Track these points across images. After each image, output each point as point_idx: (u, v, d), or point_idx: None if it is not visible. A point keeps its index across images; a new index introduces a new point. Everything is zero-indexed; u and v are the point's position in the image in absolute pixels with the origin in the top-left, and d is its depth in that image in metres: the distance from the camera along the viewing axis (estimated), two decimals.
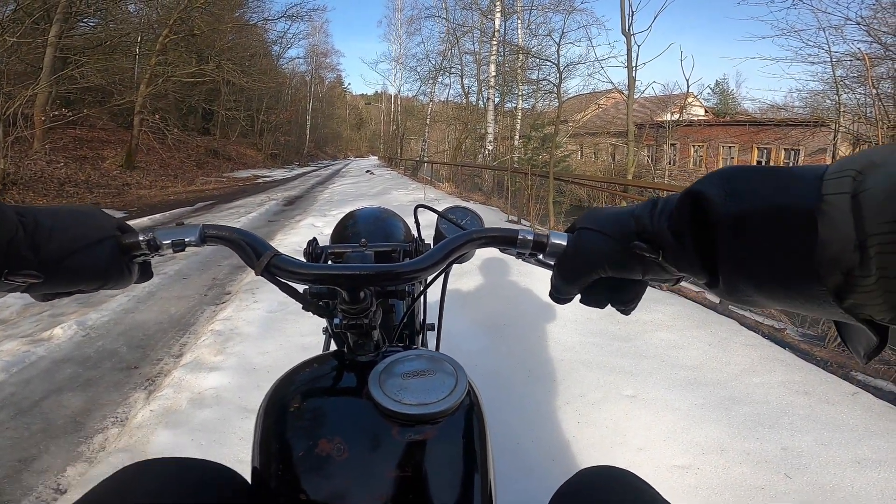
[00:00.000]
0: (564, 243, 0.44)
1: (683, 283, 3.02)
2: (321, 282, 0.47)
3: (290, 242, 4.54)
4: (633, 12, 7.62)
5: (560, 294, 0.46)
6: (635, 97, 8.22)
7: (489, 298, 2.76)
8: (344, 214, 1.17)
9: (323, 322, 0.77)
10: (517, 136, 14.38)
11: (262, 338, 2.29)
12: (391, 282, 0.47)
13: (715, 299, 2.75)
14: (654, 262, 0.37)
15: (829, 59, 8.38)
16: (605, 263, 0.40)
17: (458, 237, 0.49)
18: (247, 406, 1.70)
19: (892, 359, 2.02)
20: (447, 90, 19.00)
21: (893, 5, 7.42)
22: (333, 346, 0.57)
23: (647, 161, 16.86)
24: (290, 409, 0.48)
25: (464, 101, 17.21)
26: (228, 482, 0.47)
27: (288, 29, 24.41)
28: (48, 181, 8.11)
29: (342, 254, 0.70)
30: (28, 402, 1.81)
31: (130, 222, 0.51)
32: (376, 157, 39.16)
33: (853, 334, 0.31)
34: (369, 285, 0.48)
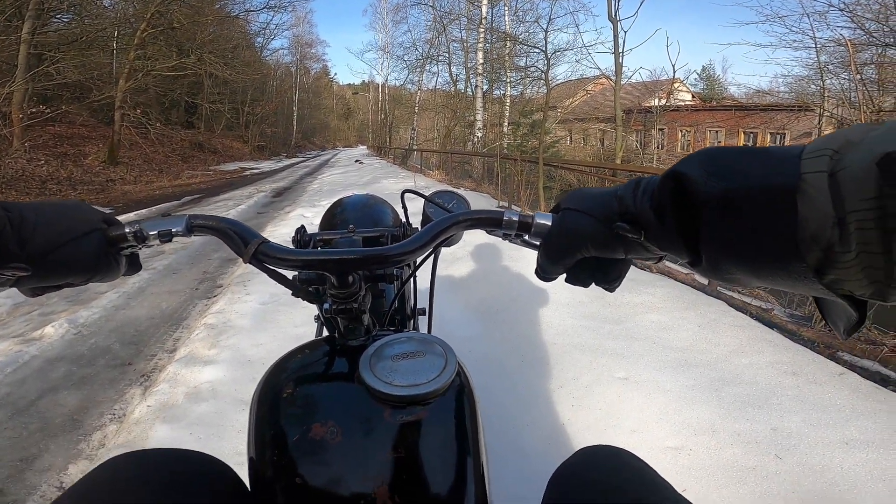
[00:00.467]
0: (549, 223, 0.45)
1: (672, 265, 3.08)
2: (309, 267, 0.48)
3: (280, 234, 4.51)
4: None
5: (545, 273, 0.47)
6: (623, 83, 8.23)
7: (482, 284, 2.77)
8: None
9: (315, 311, 0.78)
10: (506, 123, 14.33)
11: (256, 330, 2.29)
12: (379, 265, 0.47)
13: (703, 280, 2.79)
14: (637, 242, 0.38)
15: (813, 45, 8.44)
16: (588, 244, 0.41)
17: (445, 220, 0.49)
18: (243, 398, 1.70)
19: (877, 339, 2.05)
20: (435, 78, 18.87)
21: None
22: (326, 334, 0.58)
23: (636, 146, 16.93)
24: (283, 395, 0.48)
25: (452, 89, 17.07)
26: (216, 473, 0.48)
27: (271, 20, 24.01)
28: (30, 179, 7.96)
29: (330, 240, 0.70)
30: (24, 402, 1.80)
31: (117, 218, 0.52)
32: (365, 147, 38.84)
33: (833, 310, 0.32)
34: (357, 269, 0.49)
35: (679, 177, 0.33)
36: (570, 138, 20.99)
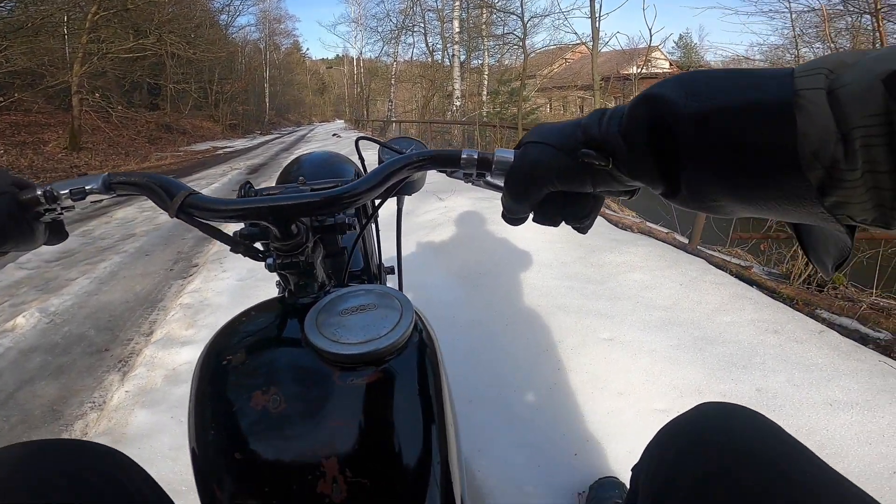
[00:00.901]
0: (511, 158, 0.42)
1: (653, 224, 3.10)
2: (243, 217, 0.43)
3: None
4: None
5: (512, 214, 0.44)
6: (600, 49, 8.11)
7: (463, 249, 2.75)
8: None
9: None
10: (485, 92, 14.12)
11: (234, 306, 2.23)
12: (321, 210, 0.43)
13: (684, 239, 2.82)
14: (605, 171, 0.35)
15: (787, 12, 8.41)
16: (552, 176, 0.38)
17: (397, 160, 0.45)
18: None
19: (855, 296, 2.08)
20: (411, 49, 18.41)
21: None
22: None
23: None
24: (223, 363, 0.44)
25: (429, 60, 16.70)
26: (107, 464, 0.44)
27: None
28: None
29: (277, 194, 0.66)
30: (2, 395, 1.74)
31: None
32: (342, 121, 38.04)
33: (821, 245, 0.30)
34: (298, 216, 0.44)
35: (654, 99, 0.30)
36: (550, 106, 20.85)
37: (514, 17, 11.11)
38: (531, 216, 0.44)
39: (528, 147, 0.40)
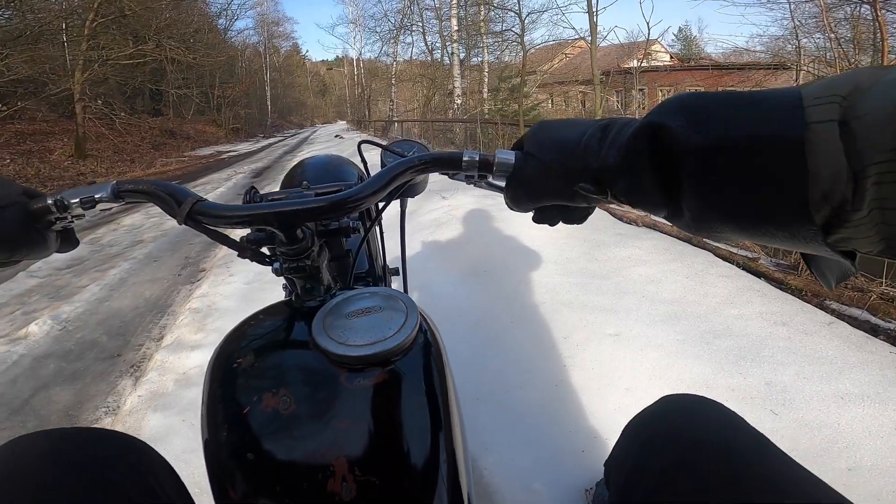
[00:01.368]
0: (512, 160, 0.42)
1: (657, 218, 3.08)
2: (250, 223, 0.43)
3: None
4: None
5: (513, 210, 0.46)
6: (599, 44, 8.07)
7: (468, 247, 2.76)
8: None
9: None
10: (485, 89, 14.09)
11: (241, 310, 2.25)
12: (326, 214, 0.43)
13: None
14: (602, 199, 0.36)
15: (786, 2, 8.31)
16: (549, 196, 0.40)
17: (400, 163, 0.45)
18: None
19: (865, 286, 2.03)
20: (410, 48, 18.36)
21: None
22: None
23: (617, 106, 16.78)
24: (233, 366, 0.45)
25: (429, 59, 16.68)
26: (135, 453, 0.45)
27: (231, 0, 23.11)
28: None
29: (281, 199, 0.67)
30: (18, 402, 1.77)
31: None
32: (344, 122, 38.09)
33: (824, 264, 0.30)
34: (304, 221, 0.45)
35: (656, 129, 0.30)
36: (552, 101, 20.78)
37: (512, 13, 11.07)
38: (531, 214, 0.46)
39: (529, 160, 0.40)
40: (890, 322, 1.79)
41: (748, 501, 0.42)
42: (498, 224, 3.00)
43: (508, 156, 0.42)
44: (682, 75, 17.08)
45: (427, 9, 16.30)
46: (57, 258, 3.32)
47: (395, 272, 0.99)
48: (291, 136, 27.17)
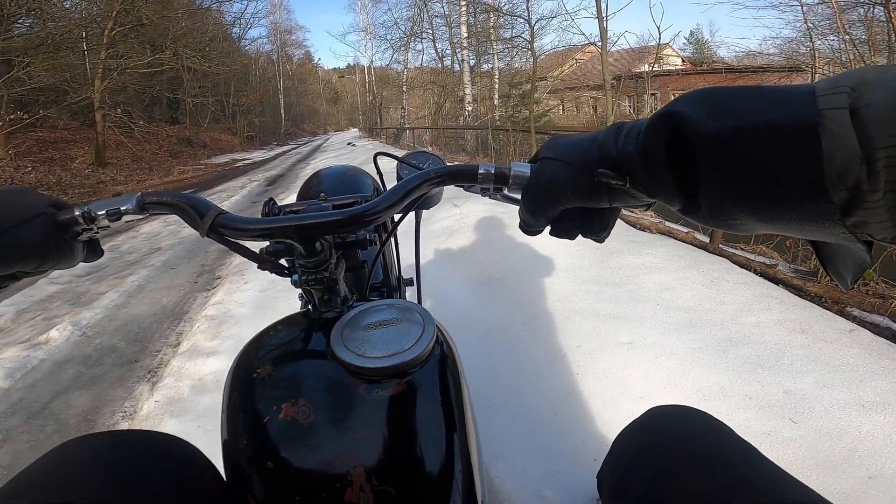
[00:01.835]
0: (528, 173, 0.42)
1: (672, 224, 3.06)
2: (270, 236, 0.44)
3: None
4: None
5: (528, 226, 0.45)
6: (609, 49, 8.05)
7: (481, 254, 2.76)
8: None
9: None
10: (496, 96, 14.13)
11: (256, 318, 2.29)
12: (345, 228, 0.44)
13: (704, 238, 2.78)
14: (622, 190, 0.36)
15: (798, 5, 8.22)
16: (569, 194, 0.39)
17: (416, 177, 0.46)
18: None
19: (886, 292, 1.99)
20: (421, 56, 18.56)
21: None
22: None
23: (630, 111, 16.69)
24: (253, 375, 0.46)
25: (439, 66, 16.80)
26: (181, 454, 0.46)
27: (245, 9, 23.64)
28: None
29: (299, 210, 0.66)
30: (38, 406, 1.81)
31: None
32: (356, 129, 38.48)
33: (840, 259, 0.30)
34: (323, 234, 0.46)
35: (673, 117, 0.30)
36: (563, 107, 20.76)
37: (522, 19, 11.11)
38: (548, 228, 0.45)
39: (545, 164, 0.41)
40: None
41: None
42: (510, 232, 3.00)
43: (524, 168, 0.43)
44: (694, 79, 16.94)
45: (437, 16, 16.49)
46: (77, 266, 3.39)
47: (410, 282, 1.00)
48: (304, 143, 27.51)
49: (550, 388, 1.56)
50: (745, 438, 0.52)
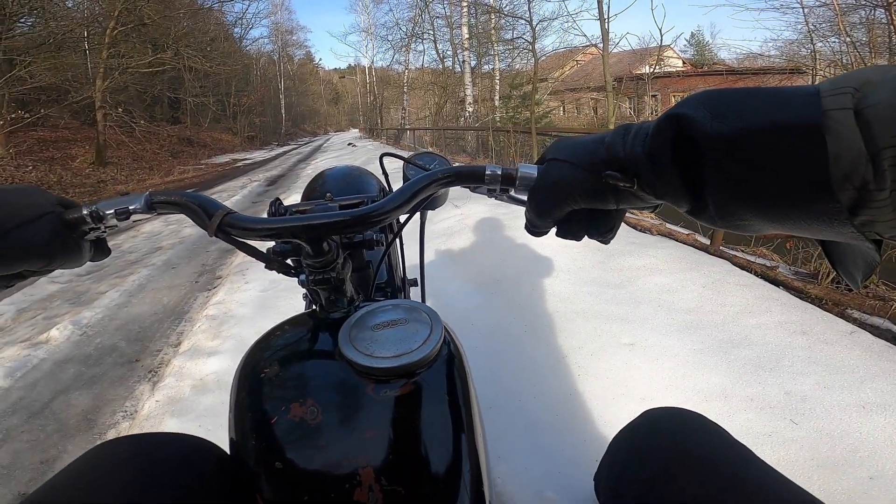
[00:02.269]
0: (534, 174, 0.42)
1: (673, 227, 3.06)
2: (278, 235, 0.44)
3: None
4: None
5: (534, 227, 0.45)
6: (611, 50, 8.07)
7: (481, 256, 2.76)
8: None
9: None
10: (497, 97, 14.14)
11: (257, 317, 2.29)
12: (353, 228, 0.44)
13: (705, 240, 2.78)
14: (629, 191, 0.36)
15: (799, 7, 8.24)
16: (576, 195, 0.39)
17: (423, 177, 0.46)
18: None
19: (887, 295, 1.99)
20: (422, 57, 18.60)
21: None
22: None
23: (630, 113, 16.71)
24: (261, 376, 0.46)
25: (440, 67, 16.81)
26: (204, 454, 0.46)
27: (246, 9, 23.75)
28: None
29: (306, 210, 0.66)
30: (38, 405, 1.81)
31: None
32: (357, 130, 38.52)
33: (849, 258, 0.30)
34: (331, 234, 0.46)
35: (679, 119, 0.31)
36: (564, 108, 20.78)
37: (523, 21, 11.13)
38: (554, 230, 0.45)
39: (552, 164, 0.41)
40: None
41: None
42: (510, 233, 3.00)
43: (531, 169, 0.43)
44: (695, 81, 16.96)
45: (438, 17, 16.51)
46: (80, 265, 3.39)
47: (414, 283, 1.00)
48: (305, 143, 27.53)
49: (552, 390, 1.56)
50: (746, 440, 0.53)
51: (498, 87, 14.43)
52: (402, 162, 0.69)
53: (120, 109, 12.26)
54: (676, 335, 1.76)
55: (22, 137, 10.01)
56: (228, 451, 0.46)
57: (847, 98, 0.24)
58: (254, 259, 0.48)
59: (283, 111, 32.51)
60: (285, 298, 2.44)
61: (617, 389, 1.53)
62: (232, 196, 7.20)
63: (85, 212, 0.46)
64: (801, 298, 2.04)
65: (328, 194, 0.66)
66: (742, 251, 2.65)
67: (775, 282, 2.24)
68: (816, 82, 0.28)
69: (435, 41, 16.88)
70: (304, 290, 0.80)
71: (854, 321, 1.85)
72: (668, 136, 0.32)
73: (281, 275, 0.51)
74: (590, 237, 0.44)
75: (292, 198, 6.03)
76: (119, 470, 0.40)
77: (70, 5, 12.19)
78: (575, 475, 1.21)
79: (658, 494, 0.47)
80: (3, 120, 8.80)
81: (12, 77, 9.12)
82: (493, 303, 2.19)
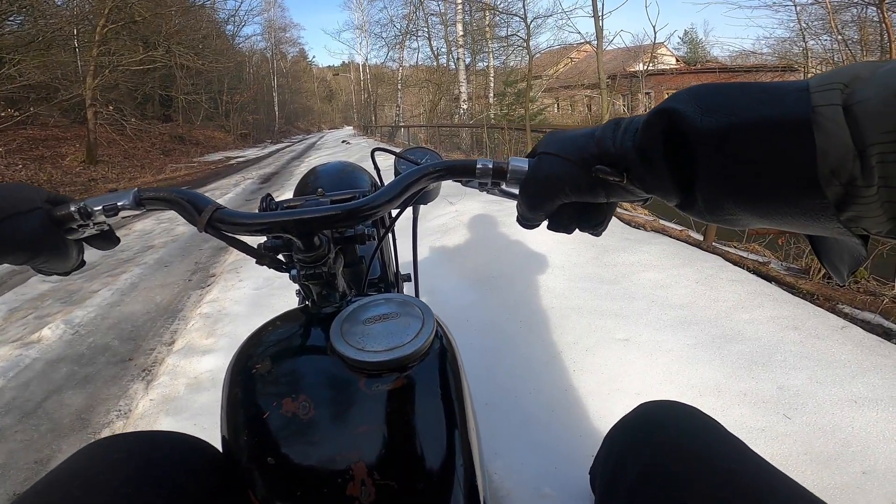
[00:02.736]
0: (526, 168, 0.42)
1: (667, 223, 3.08)
2: (269, 230, 0.44)
3: None
4: None
5: (526, 220, 0.45)
6: (605, 48, 8.08)
7: (476, 252, 2.76)
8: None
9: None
10: (491, 94, 14.13)
11: (251, 315, 2.28)
12: (344, 222, 0.44)
13: (698, 236, 2.79)
14: (619, 185, 0.36)
15: (792, 4, 8.29)
16: (566, 189, 0.39)
17: (414, 171, 0.46)
18: None
19: (877, 290, 2.02)
20: (416, 54, 18.53)
21: None
22: None
23: (624, 110, 16.78)
24: (253, 371, 0.45)
25: (434, 64, 16.78)
26: (197, 452, 0.46)
27: (239, 6, 23.57)
28: None
29: (297, 205, 0.67)
30: (31, 405, 1.79)
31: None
32: (351, 127, 38.42)
33: (836, 253, 0.31)
34: (321, 229, 0.46)
35: (669, 114, 0.31)
36: (558, 105, 20.83)
37: (517, 18, 11.11)
38: (546, 222, 0.45)
39: (542, 158, 0.41)
40: None
41: None
42: (505, 229, 3.01)
43: (522, 163, 0.43)
44: (688, 78, 17.06)
45: (432, 14, 16.44)
46: (79, 264, 3.36)
47: (407, 278, 1.00)
48: (298, 141, 27.39)
49: (547, 385, 1.57)
50: (740, 434, 0.53)
51: (492, 85, 14.41)
52: (393, 158, 0.68)
53: (111, 107, 12.14)
54: (670, 330, 1.77)
55: (11, 136, 9.88)
56: (220, 449, 0.46)
57: (836, 94, 0.24)
58: (245, 255, 0.48)
59: (276, 109, 32.31)
60: (280, 296, 2.43)
61: (612, 385, 1.53)
62: (225, 194, 7.16)
63: (73, 208, 0.46)
64: (793, 294, 2.06)
65: (319, 189, 0.65)
66: (735, 247, 2.67)
67: (767, 277, 2.26)
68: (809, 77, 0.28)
69: (429, 38, 16.84)
70: (296, 287, 0.80)
71: (845, 316, 1.87)
72: (659, 131, 0.32)
73: (274, 272, 0.51)
74: (581, 230, 0.44)
75: (286, 195, 6.00)
76: (112, 468, 0.40)
77: (59, 3, 12.04)
78: (571, 471, 1.22)
79: (652, 487, 0.48)
80: None
81: (1, 75, 9.01)
82: (488, 300, 2.20)
